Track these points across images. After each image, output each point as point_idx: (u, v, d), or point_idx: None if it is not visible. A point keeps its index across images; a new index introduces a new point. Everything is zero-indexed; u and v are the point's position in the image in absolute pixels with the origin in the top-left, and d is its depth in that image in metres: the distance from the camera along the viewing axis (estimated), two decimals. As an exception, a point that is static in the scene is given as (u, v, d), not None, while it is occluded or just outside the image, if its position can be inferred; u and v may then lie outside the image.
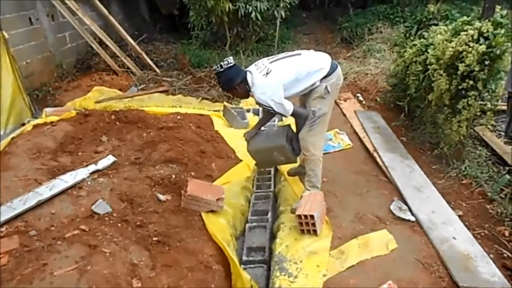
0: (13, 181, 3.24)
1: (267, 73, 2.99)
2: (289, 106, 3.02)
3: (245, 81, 3.04)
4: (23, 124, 4.99)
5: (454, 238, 2.92)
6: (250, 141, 3.51)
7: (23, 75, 5.53)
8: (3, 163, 3.52)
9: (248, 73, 3.07)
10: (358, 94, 6.10)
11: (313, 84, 3.06)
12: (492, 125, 4.39)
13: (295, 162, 3.62)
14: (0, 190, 3.11)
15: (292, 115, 3.11)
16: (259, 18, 5.42)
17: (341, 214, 3.30)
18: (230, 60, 3.03)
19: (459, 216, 3.22)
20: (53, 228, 2.77)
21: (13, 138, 4.01)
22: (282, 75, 2.99)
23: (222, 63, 3.01)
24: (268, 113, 3.47)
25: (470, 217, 3.27)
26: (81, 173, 3.33)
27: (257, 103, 3.09)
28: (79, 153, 3.74)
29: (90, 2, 7.13)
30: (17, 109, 5.32)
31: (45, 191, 3.06)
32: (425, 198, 3.42)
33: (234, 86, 3.04)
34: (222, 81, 3.09)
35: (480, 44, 3.33)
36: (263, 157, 3.52)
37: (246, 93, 3.13)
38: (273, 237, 3.25)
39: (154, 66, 7.29)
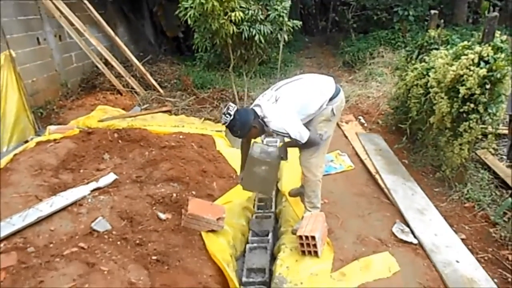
0: (13, 197, 3.24)
1: (276, 100, 2.98)
2: (305, 132, 2.93)
3: (257, 117, 2.97)
4: (26, 141, 5.01)
5: (457, 261, 2.88)
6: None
7: (28, 93, 5.60)
8: (4, 179, 3.52)
9: (256, 108, 3.01)
10: (360, 117, 6.13)
11: (321, 107, 3.03)
12: (493, 148, 4.39)
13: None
14: (0, 206, 3.11)
15: (306, 141, 2.95)
16: (263, 41, 5.48)
17: (342, 235, 3.26)
18: (231, 104, 2.95)
19: (462, 240, 3.18)
20: (51, 245, 2.75)
21: (15, 154, 4.03)
22: (291, 100, 2.98)
23: (228, 111, 2.86)
24: (246, 148, 3.39)
25: (473, 241, 3.23)
26: (81, 191, 3.33)
27: (273, 131, 3.00)
28: (81, 171, 3.75)
29: (97, 24, 7.26)
30: (21, 127, 5.35)
31: (45, 207, 3.05)
32: (428, 221, 3.39)
33: (251, 126, 2.93)
34: (238, 128, 2.91)
35: (481, 68, 3.36)
36: (255, 182, 3.33)
37: (262, 128, 3.03)
38: (273, 258, 3.21)
39: (158, 87, 7.37)
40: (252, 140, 3.37)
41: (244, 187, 3.41)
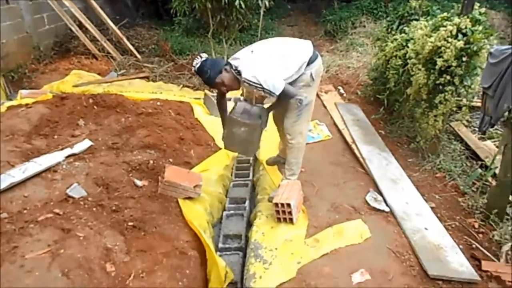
0: (-17, 163, 3.16)
1: (251, 52, 2.95)
2: (280, 83, 2.81)
3: (230, 70, 2.91)
4: (-3, 106, 4.85)
5: (426, 228, 2.99)
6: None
7: (-2, 55, 5.38)
8: (-26, 144, 3.42)
9: (232, 61, 2.95)
10: (339, 87, 6.15)
11: (299, 69, 2.98)
12: (467, 120, 4.50)
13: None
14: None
15: (280, 94, 2.84)
16: (243, 6, 5.36)
17: (317, 203, 3.33)
18: (202, 55, 2.94)
19: (432, 208, 3.30)
20: (25, 211, 2.71)
21: (-15, 119, 3.89)
22: (269, 53, 2.95)
23: (199, 56, 2.92)
24: (222, 103, 3.36)
25: (442, 209, 3.35)
26: (56, 157, 3.26)
27: (245, 82, 2.86)
28: (55, 137, 3.65)
29: (70, -17, 6.94)
30: (-9, 91, 5.18)
31: (18, 173, 2.98)
32: (400, 190, 3.49)
33: (221, 69, 2.88)
34: (207, 68, 2.87)
35: (458, 40, 3.39)
36: (235, 142, 3.29)
37: (236, 81, 2.95)
38: (250, 225, 3.27)
39: (135, 52, 7.18)
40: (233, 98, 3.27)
41: (225, 147, 3.40)
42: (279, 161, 3.88)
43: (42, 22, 6.88)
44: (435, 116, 3.72)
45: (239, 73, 2.89)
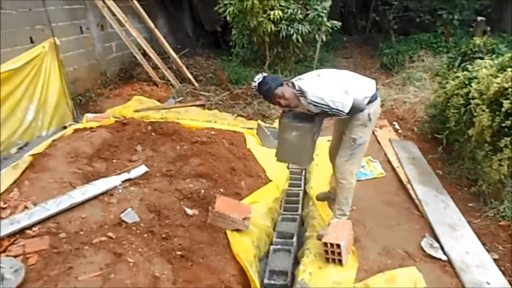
0: (49, 182, 3.38)
1: (318, 76, 2.98)
2: (348, 100, 2.78)
3: (292, 87, 2.93)
4: (65, 127, 5.21)
5: (488, 283, 2.77)
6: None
7: (69, 80, 5.80)
8: (42, 164, 3.67)
9: (296, 81, 2.97)
10: (395, 122, 5.98)
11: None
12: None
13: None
14: (36, 190, 3.25)
15: (350, 111, 2.81)
16: (300, 40, 5.46)
17: (368, 245, 3.20)
18: (261, 74, 3.01)
19: (495, 260, 3.05)
20: (82, 232, 2.85)
21: (54, 140, 4.18)
22: (333, 78, 2.96)
23: (256, 78, 2.99)
24: None
25: (507, 262, 3.08)
26: (113, 181, 3.42)
27: (311, 103, 2.85)
28: (114, 160, 3.85)
29: (138, 15, 7.41)
30: (60, 113, 5.58)
31: (78, 195, 3.16)
32: (459, 237, 3.27)
33: (278, 88, 2.89)
34: (265, 88, 2.91)
35: (528, 82, 3.20)
36: (287, 150, 3.17)
37: (296, 99, 2.92)
38: (296, 262, 3.20)
39: (193, 80, 7.46)
40: None
41: (278, 159, 3.29)
42: (330, 197, 3.80)
43: (111, 50, 7.39)
44: (500, 160, 3.49)
45: (302, 93, 2.88)
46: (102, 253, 2.64)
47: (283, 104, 2.95)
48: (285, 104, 2.94)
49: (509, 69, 3.35)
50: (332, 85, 2.88)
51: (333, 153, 3.52)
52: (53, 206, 2.99)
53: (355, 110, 2.87)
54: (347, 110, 2.79)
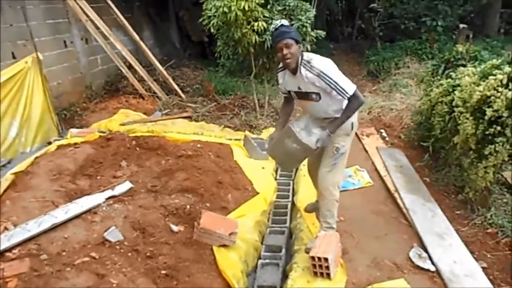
0: (31, 201, 3.31)
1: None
2: (352, 85, 2.87)
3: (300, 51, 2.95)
4: (49, 143, 5.13)
5: (476, 292, 2.76)
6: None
7: (53, 94, 5.74)
8: (24, 182, 3.61)
9: (306, 53, 2.99)
10: (382, 130, 6.00)
11: (340, 110, 2.98)
12: (521, 171, 4.20)
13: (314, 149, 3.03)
14: (18, 210, 3.18)
15: (351, 97, 2.86)
16: (285, 50, 5.46)
17: (357, 257, 3.18)
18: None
19: (483, 268, 3.04)
20: (64, 253, 2.78)
21: (36, 157, 4.11)
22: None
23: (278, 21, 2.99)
24: (288, 107, 3.35)
25: (495, 270, 3.08)
26: (97, 198, 3.36)
27: (317, 74, 2.84)
28: (98, 177, 3.78)
29: (123, 27, 7.37)
30: (45, 128, 5.50)
31: (61, 214, 3.09)
32: (447, 246, 3.26)
33: (295, 38, 2.86)
34: (285, 29, 2.88)
35: (510, 90, 3.22)
36: (280, 152, 3.15)
37: (295, 58, 2.88)
38: (285, 276, 3.15)
39: (179, 92, 7.42)
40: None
41: (268, 152, 3.41)
42: (318, 208, 3.78)
43: (96, 63, 7.33)
44: (485, 167, 3.50)
45: (308, 63, 2.88)
46: (84, 274, 2.57)
47: (283, 53, 2.87)
48: (284, 56, 2.87)
49: (491, 77, 3.38)
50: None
51: (312, 167, 3.52)
52: (34, 226, 2.92)
53: (357, 100, 2.90)
54: (351, 92, 2.84)
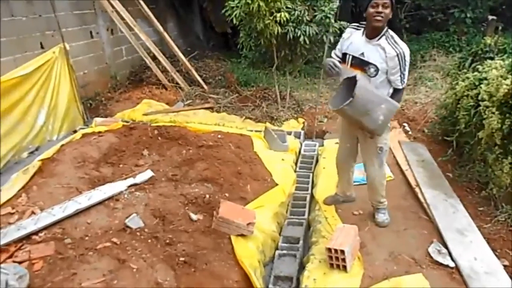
0: (56, 187, 3.42)
1: None
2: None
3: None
4: (75, 131, 5.27)
5: (496, 290, 2.71)
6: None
7: (79, 84, 5.88)
8: (50, 169, 3.73)
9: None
10: (405, 124, 5.90)
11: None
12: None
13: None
14: (44, 195, 3.30)
15: (403, 88, 3.00)
16: (307, 42, 5.41)
17: (374, 251, 3.16)
18: None
19: (505, 266, 2.97)
20: (87, 238, 2.88)
21: (62, 145, 4.23)
22: None
23: None
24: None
25: (517, 269, 3.02)
26: (119, 186, 3.44)
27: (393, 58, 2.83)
28: (120, 165, 3.88)
29: (147, 18, 7.46)
30: (71, 117, 5.65)
31: (84, 200, 3.19)
32: (468, 243, 3.20)
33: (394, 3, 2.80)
34: None
35: (539, 84, 3.12)
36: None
37: (386, 21, 2.83)
38: (302, 267, 3.17)
39: (202, 83, 7.47)
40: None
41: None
42: (338, 200, 3.78)
43: (121, 54, 7.45)
44: (511, 163, 3.41)
45: (393, 38, 2.88)
46: (106, 259, 2.65)
47: (378, 10, 2.76)
48: (378, 14, 2.76)
49: (519, 70, 3.28)
50: None
51: (345, 162, 3.58)
52: (59, 211, 3.03)
53: (402, 93, 3.02)
54: (404, 84, 2.96)
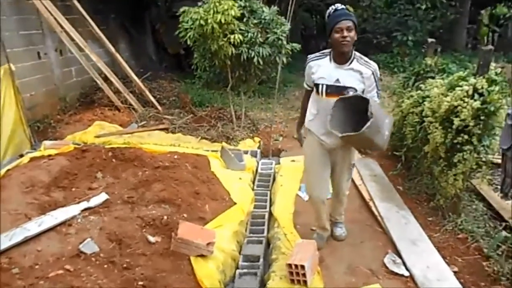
0: (2, 214, 3.21)
1: None
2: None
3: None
4: (21, 156, 5.01)
5: (448, 296, 2.84)
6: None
7: (26, 106, 5.63)
8: (-6, 196, 3.50)
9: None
10: (357, 141, 6.12)
11: None
12: (489, 178, 4.37)
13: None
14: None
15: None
16: (261, 63, 5.55)
17: (333, 265, 3.23)
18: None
19: (455, 273, 3.14)
20: (37, 267, 2.72)
21: (8, 170, 4.01)
22: None
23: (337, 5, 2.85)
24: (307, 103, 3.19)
25: (466, 274, 3.18)
26: (72, 210, 3.30)
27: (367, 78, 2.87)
28: (73, 189, 3.72)
29: (99, 39, 7.32)
30: (17, 140, 5.36)
31: (34, 227, 3.02)
32: (420, 252, 3.35)
33: (348, 20, 2.74)
34: (339, 12, 2.80)
35: (475, 100, 3.38)
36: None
37: (352, 45, 2.82)
38: (263, 285, 3.17)
39: (156, 104, 7.39)
40: None
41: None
42: (324, 237, 3.57)
43: (70, 75, 7.23)
44: (455, 175, 3.64)
45: (364, 60, 2.94)
46: (58, 287, 2.52)
47: (343, 35, 2.73)
48: (344, 39, 2.73)
49: (458, 88, 3.53)
50: None
51: (323, 193, 3.37)
52: (5, 240, 2.84)
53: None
54: (378, 100, 3.00)
